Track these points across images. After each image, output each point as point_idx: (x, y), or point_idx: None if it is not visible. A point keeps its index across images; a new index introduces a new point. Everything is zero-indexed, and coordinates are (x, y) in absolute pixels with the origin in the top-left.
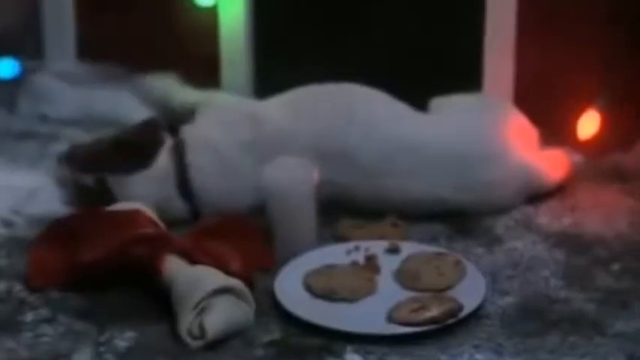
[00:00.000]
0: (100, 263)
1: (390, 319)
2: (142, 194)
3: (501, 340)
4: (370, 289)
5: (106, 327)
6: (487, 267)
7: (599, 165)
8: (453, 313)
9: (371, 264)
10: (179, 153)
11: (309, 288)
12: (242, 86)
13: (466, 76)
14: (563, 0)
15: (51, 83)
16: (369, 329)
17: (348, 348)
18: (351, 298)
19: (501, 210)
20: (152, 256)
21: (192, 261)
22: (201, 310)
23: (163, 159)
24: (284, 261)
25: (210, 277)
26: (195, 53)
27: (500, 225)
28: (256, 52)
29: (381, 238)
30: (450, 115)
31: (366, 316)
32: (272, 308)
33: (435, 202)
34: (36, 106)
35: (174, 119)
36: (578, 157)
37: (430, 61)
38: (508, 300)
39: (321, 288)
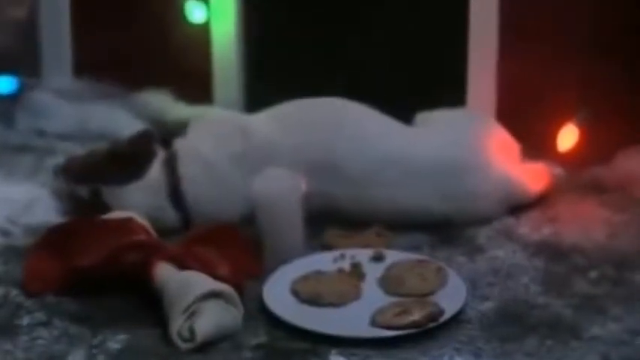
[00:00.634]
0: (94, 269)
1: (374, 323)
2: (135, 204)
3: (481, 344)
4: (355, 295)
5: (99, 330)
6: (468, 274)
7: (579, 178)
8: (434, 317)
9: (356, 271)
10: (171, 164)
11: (295, 293)
12: (233, 101)
13: (451, 92)
14: (543, 18)
15: (48, 99)
16: (353, 333)
17: (333, 351)
18: (336, 304)
19: (484, 220)
20: (144, 263)
21: (183, 267)
22: (191, 313)
23: (156, 170)
24: (273, 270)
25: (200, 282)
26: (187, 70)
27: (482, 235)
28: (247, 68)
29: (366, 247)
30: (435, 129)
31: (351, 320)
32: (260, 313)
33: (419, 213)
34: (34, 121)
35: (167, 134)
36: (558, 170)
37: (417, 78)
38: (488, 305)
39: (307, 293)
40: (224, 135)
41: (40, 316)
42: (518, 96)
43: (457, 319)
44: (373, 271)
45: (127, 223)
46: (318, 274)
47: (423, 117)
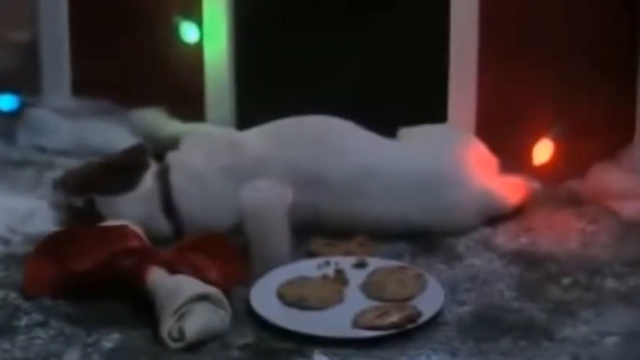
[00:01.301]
0: (89, 274)
1: (355, 324)
2: (129, 214)
3: (457, 345)
4: (338, 299)
5: (93, 330)
6: (447, 280)
7: (554, 191)
8: (412, 318)
9: (340, 277)
10: (164, 176)
11: (281, 297)
12: (226, 119)
13: (432, 109)
14: (520, 38)
15: (47, 117)
16: (336, 333)
17: (316, 350)
18: (320, 307)
19: (462, 231)
20: (138, 268)
21: (174, 272)
22: (181, 315)
23: (149, 181)
24: (260, 276)
25: (190, 285)
26: (181, 88)
27: (461, 244)
28: (239, 86)
29: (350, 255)
30: (416, 144)
31: (334, 322)
32: (247, 315)
33: (401, 223)
34: (33, 137)
35: (161, 149)
36: (534, 184)
37: (400, 96)
38: (465, 309)
39: (292, 297)
40: (215, 149)
41: (37, 317)
42: (496, 112)
43: (435, 321)
44: (356, 277)
45: (122, 230)
46: (303, 279)
47: (405, 132)
